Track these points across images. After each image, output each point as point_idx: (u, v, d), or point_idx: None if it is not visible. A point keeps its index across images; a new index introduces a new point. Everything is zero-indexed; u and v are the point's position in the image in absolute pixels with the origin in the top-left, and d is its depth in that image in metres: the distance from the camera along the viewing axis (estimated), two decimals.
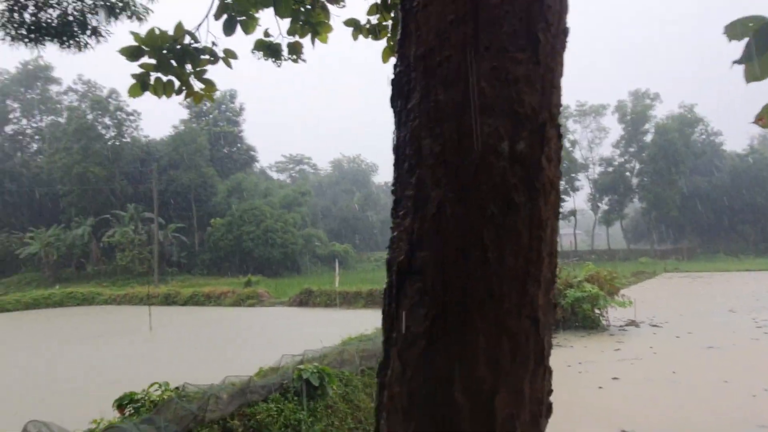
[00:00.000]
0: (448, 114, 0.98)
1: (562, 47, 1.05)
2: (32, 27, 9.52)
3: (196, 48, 5.17)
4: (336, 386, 8.44)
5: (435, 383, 0.98)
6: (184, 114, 70.31)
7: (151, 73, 5.10)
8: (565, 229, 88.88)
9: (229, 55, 5.34)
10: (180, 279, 52.04)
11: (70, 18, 9.91)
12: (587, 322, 19.06)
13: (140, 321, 25.70)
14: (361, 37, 5.52)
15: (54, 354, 17.45)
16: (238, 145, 74.97)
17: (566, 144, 78.69)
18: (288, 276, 56.31)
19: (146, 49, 5.10)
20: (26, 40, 9.73)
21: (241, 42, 5.21)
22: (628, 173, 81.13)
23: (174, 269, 57.04)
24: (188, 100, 5.43)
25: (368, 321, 21.70)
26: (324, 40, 5.58)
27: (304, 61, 5.73)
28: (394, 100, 1.10)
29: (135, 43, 5.08)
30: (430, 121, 1.00)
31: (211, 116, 71.46)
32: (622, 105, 79.51)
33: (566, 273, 21.51)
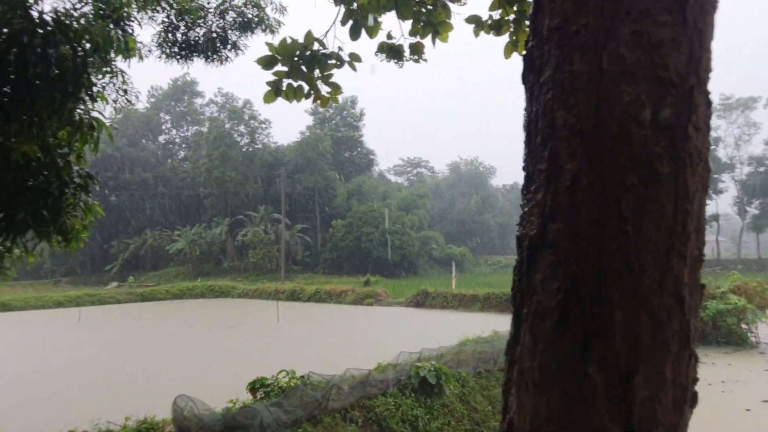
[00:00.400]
0: (583, 84, 0.96)
1: (713, 7, 0.98)
2: (183, 45, 10.69)
3: (324, 54, 5.45)
4: (453, 386, 8.41)
5: (568, 357, 0.96)
6: (309, 121, 74.20)
7: (284, 80, 5.48)
8: (706, 235, 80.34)
9: (354, 58, 5.55)
10: (304, 276, 55.00)
11: (214, 35, 10.97)
12: (732, 338, 17.13)
13: (269, 314, 27.56)
14: (482, 34, 5.49)
15: (198, 339, 19.30)
16: (358, 149, 77.57)
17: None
18: (405, 277, 57.17)
19: (279, 57, 5.45)
20: (178, 57, 10.96)
21: (361, 47, 5.40)
22: None
23: (299, 267, 60.45)
24: (315, 104, 5.74)
25: (485, 324, 21.34)
26: (444, 39, 5.62)
27: (425, 60, 5.82)
28: (526, 76, 1.10)
29: (269, 53, 5.44)
30: (563, 93, 0.99)
31: (333, 122, 74.72)
32: None
33: (707, 282, 19.53)
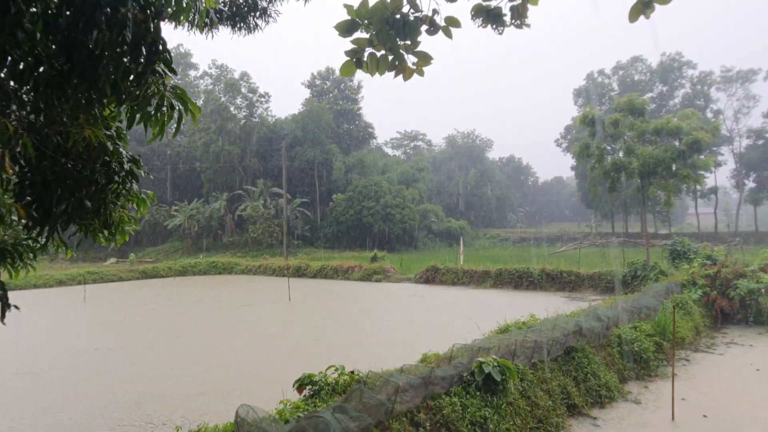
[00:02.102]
0: None
1: None
2: (207, 13, 9.75)
3: (417, 18, 4.72)
4: (515, 381, 7.87)
5: None
6: (307, 94, 72.66)
7: (366, 50, 4.80)
8: (702, 208, 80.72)
9: (451, 23, 4.83)
10: (305, 251, 54.47)
11: (241, 1, 10.05)
12: (762, 318, 16.76)
13: (278, 291, 27.03)
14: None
15: (211, 321, 18.70)
16: (357, 122, 76.28)
17: (708, 115, 70.34)
18: (405, 251, 56.79)
19: (361, 22, 4.74)
20: (204, 26, 10.02)
21: (452, 11, 4.67)
22: None
23: (299, 242, 59.86)
24: (396, 77, 5.00)
25: (508, 302, 20.93)
26: (535, 2, 4.88)
27: (528, 26, 5.07)
28: None
29: (348, 17, 4.74)
30: None
31: (331, 95, 73.20)
32: None
33: (734, 259, 19.11)
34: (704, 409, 9.08)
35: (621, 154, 24.87)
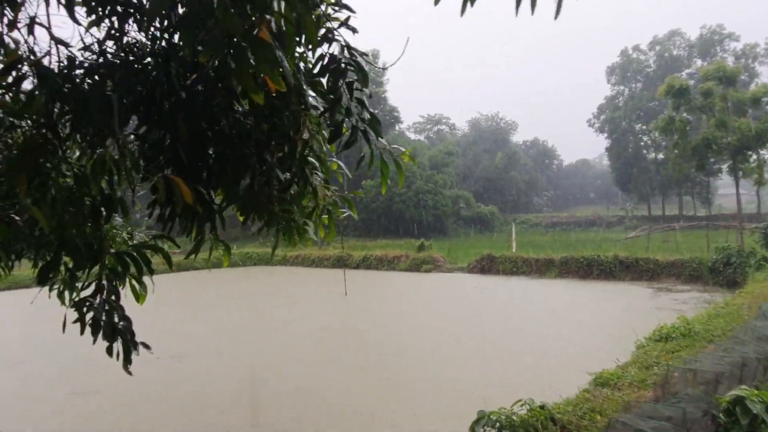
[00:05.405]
0: None
1: None
2: None
3: None
4: None
5: None
6: None
7: None
8: (726, 189, 77.32)
9: None
10: (335, 240, 52.53)
11: None
12: None
13: (326, 284, 25.21)
14: None
15: (276, 319, 16.82)
16: (382, 106, 73.88)
17: (754, 88, 66.47)
18: (436, 238, 54.59)
19: None
20: None
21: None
22: None
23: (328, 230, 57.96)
24: None
25: (599, 296, 18.69)
26: None
27: None
28: None
29: None
30: None
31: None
32: None
33: None
34: None
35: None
